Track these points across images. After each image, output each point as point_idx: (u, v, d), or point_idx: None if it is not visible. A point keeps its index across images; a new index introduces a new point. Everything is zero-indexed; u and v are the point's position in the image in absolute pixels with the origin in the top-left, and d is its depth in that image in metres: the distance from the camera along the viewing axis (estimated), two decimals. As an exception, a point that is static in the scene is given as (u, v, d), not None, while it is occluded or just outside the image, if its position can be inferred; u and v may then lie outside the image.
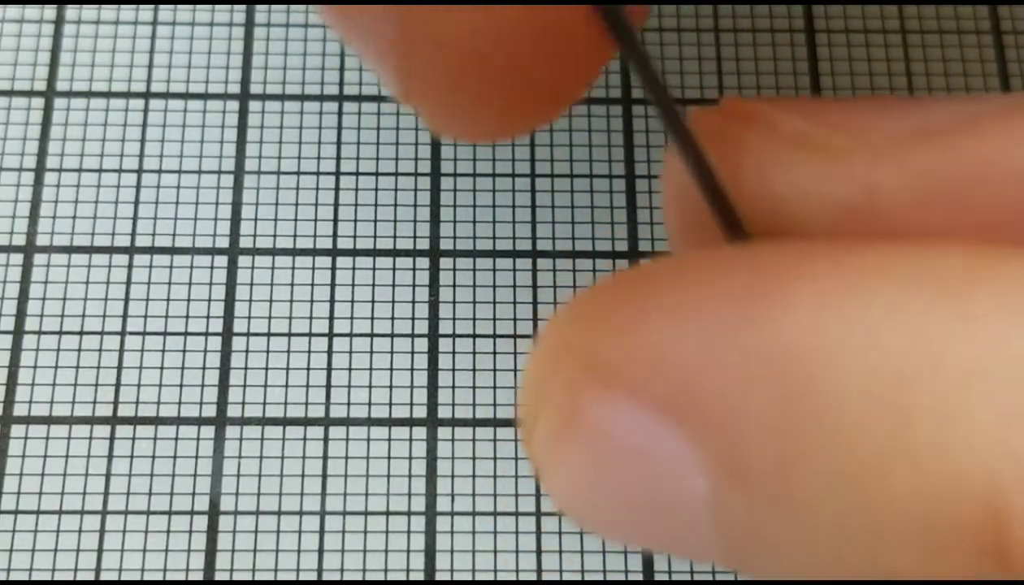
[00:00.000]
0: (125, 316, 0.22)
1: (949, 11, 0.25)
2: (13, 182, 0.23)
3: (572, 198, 0.23)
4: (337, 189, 0.23)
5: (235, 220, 0.23)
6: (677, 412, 0.10)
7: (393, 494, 0.21)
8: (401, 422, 0.22)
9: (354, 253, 0.23)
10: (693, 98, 0.24)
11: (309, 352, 0.22)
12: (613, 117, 0.24)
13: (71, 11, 0.25)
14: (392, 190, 0.23)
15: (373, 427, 0.22)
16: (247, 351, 0.22)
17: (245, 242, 0.23)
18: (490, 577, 0.21)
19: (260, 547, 0.21)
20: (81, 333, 0.22)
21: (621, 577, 0.21)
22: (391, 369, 0.22)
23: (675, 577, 0.21)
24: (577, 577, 0.21)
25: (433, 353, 0.22)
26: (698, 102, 0.24)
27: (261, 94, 0.24)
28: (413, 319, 0.22)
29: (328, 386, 0.22)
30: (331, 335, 0.22)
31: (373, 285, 0.23)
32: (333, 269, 0.23)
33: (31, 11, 0.25)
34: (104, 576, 0.20)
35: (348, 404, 0.22)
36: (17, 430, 0.21)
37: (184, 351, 0.22)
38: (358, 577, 0.21)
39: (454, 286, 0.23)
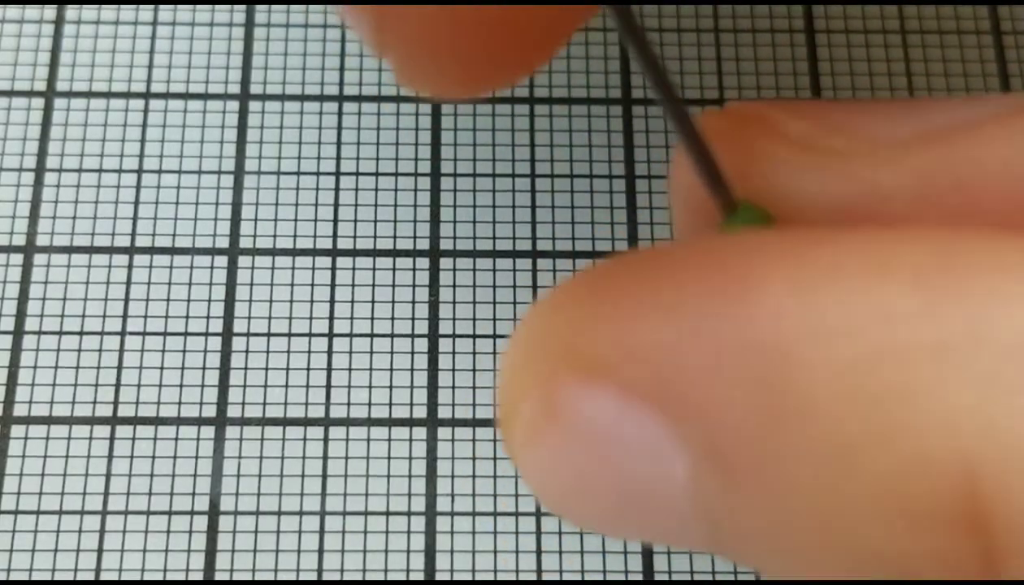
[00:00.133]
0: (125, 316, 0.22)
1: (949, 11, 0.25)
2: (13, 182, 0.23)
3: (572, 198, 0.23)
4: (337, 189, 0.23)
5: (235, 220, 0.23)
6: (655, 398, 0.10)
7: (393, 494, 0.21)
8: (401, 422, 0.22)
9: (354, 253, 0.23)
10: (693, 98, 0.24)
11: (309, 352, 0.22)
12: (613, 117, 0.24)
13: (71, 11, 0.25)
14: (392, 190, 0.23)
15: (373, 427, 0.22)
16: (247, 351, 0.22)
17: (245, 242, 0.23)
18: (490, 577, 0.21)
19: (260, 547, 0.21)
20: (81, 333, 0.22)
21: (621, 577, 0.21)
22: (391, 369, 0.22)
23: (675, 577, 0.21)
24: (577, 577, 0.21)
25: (433, 353, 0.22)
26: (698, 102, 0.24)
27: (261, 94, 0.24)
28: (413, 319, 0.22)
29: (328, 386, 0.22)
30: (331, 335, 0.22)
31: (373, 285, 0.23)
32: (333, 269, 0.23)
33: (31, 11, 0.25)
34: (104, 576, 0.20)
35: (348, 404, 0.22)
36: (17, 430, 0.21)
37: (184, 351, 0.22)
38: (358, 577, 0.21)
39: (454, 286, 0.23)
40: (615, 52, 0.25)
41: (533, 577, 0.21)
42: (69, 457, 0.21)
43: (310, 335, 0.22)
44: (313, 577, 0.21)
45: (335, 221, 0.23)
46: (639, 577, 0.21)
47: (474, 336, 0.22)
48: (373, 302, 0.22)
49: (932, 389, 0.09)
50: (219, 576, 0.20)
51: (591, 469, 0.11)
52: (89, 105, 0.24)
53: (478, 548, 0.21)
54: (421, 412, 0.22)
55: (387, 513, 0.21)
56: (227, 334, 0.22)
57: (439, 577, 0.21)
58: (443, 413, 0.22)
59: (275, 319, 0.22)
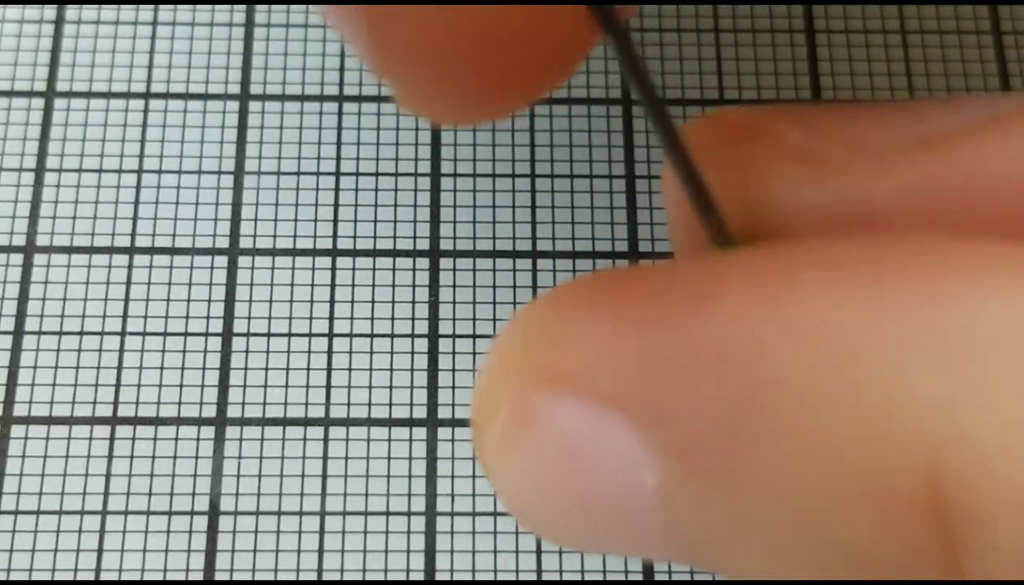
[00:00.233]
0: (125, 316, 0.22)
1: (949, 11, 0.25)
2: (13, 182, 0.23)
3: (572, 198, 0.23)
4: (337, 189, 0.23)
5: (235, 220, 0.23)
6: (625, 407, 0.10)
7: (393, 494, 0.21)
8: (401, 422, 0.22)
9: (354, 253, 0.23)
10: (693, 98, 0.24)
11: (309, 352, 0.22)
12: (613, 117, 0.24)
13: (71, 11, 0.25)
14: (392, 190, 0.23)
15: (373, 427, 0.22)
16: (247, 351, 0.22)
17: (245, 242, 0.23)
18: (490, 577, 0.21)
19: (260, 547, 0.21)
20: (81, 333, 0.22)
21: (621, 577, 0.21)
22: (391, 369, 0.22)
23: (675, 577, 0.21)
24: (577, 577, 0.21)
25: (433, 353, 0.22)
26: (698, 102, 0.24)
27: (261, 94, 0.24)
28: (413, 319, 0.22)
29: (328, 386, 0.22)
30: (331, 335, 0.22)
31: (373, 285, 0.23)
32: (333, 269, 0.23)
33: (31, 11, 0.25)
34: (104, 576, 0.20)
35: (348, 404, 0.22)
36: (17, 430, 0.21)
37: (184, 351, 0.22)
38: (358, 577, 0.21)
39: (454, 286, 0.23)
40: (618, 61, 0.25)
41: (533, 577, 0.21)
42: (69, 457, 0.21)
43: (310, 335, 0.22)
44: (313, 577, 0.21)
45: (335, 221, 0.23)
46: (639, 577, 0.21)
47: (474, 336, 0.22)
48: (373, 302, 0.22)
49: (895, 381, 0.09)
50: (219, 576, 0.20)
51: (562, 478, 0.11)
52: (89, 105, 0.24)
53: (478, 548, 0.21)
54: (421, 412, 0.22)
55: (387, 513, 0.21)
56: (227, 334, 0.22)
57: (439, 577, 0.21)
58: (443, 413, 0.22)
59: (275, 319, 0.22)
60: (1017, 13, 0.25)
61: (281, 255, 0.23)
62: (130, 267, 0.23)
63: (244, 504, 0.21)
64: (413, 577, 0.21)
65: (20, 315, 0.22)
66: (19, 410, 0.21)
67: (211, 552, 0.21)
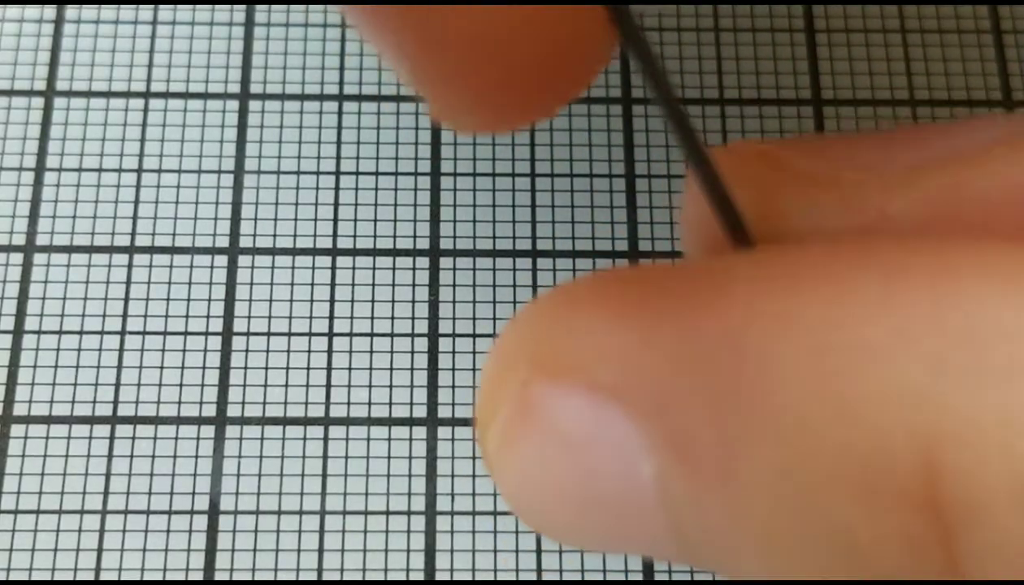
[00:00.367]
0: (125, 316, 0.22)
1: (949, 11, 0.25)
2: (13, 182, 0.23)
3: (572, 198, 0.23)
4: (337, 189, 0.23)
5: (235, 220, 0.23)
6: (622, 396, 0.10)
7: (393, 494, 0.21)
8: (401, 422, 0.22)
9: (354, 253, 0.23)
10: (693, 98, 0.24)
11: (309, 352, 0.22)
12: (613, 117, 0.24)
13: (71, 11, 0.25)
14: (392, 190, 0.23)
15: (373, 427, 0.22)
16: (247, 351, 0.22)
17: (245, 242, 0.23)
18: (490, 577, 0.21)
19: (260, 547, 0.21)
20: (81, 333, 0.22)
21: (621, 577, 0.21)
22: (391, 369, 0.22)
23: (675, 577, 0.21)
24: (577, 577, 0.21)
25: (433, 353, 0.22)
26: (698, 102, 0.24)
27: (261, 94, 0.24)
28: (413, 319, 0.22)
29: (328, 386, 0.22)
30: (331, 335, 0.22)
31: (373, 285, 0.23)
32: (333, 269, 0.23)
33: (31, 11, 0.25)
34: (104, 576, 0.20)
35: (348, 404, 0.22)
36: (17, 430, 0.21)
37: (184, 351, 0.22)
38: (358, 577, 0.20)
39: (454, 286, 0.23)
40: (615, 52, 0.25)
41: (533, 577, 0.21)
42: (69, 457, 0.21)
43: (310, 334, 0.22)
44: (313, 577, 0.20)
45: (335, 221, 0.23)
46: (639, 577, 0.21)
47: (474, 336, 0.22)
48: (373, 301, 0.22)
49: (890, 371, 0.09)
50: (219, 575, 0.20)
51: (562, 472, 0.11)
52: (89, 105, 0.24)
53: (478, 548, 0.21)
54: (421, 411, 0.22)
55: (387, 512, 0.21)
56: (227, 334, 0.22)
57: (439, 577, 0.21)
58: (443, 412, 0.22)
59: (275, 319, 0.22)
60: (1017, 13, 0.25)
61: (281, 254, 0.23)
62: (130, 267, 0.23)
63: (244, 503, 0.21)
64: (413, 577, 0.21)
65: (20, 315, 0.22)
66: (19, 410, 0.21)
67: (211, 551, 0.21)
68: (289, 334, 0.22)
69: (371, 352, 0.22)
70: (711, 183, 0.12)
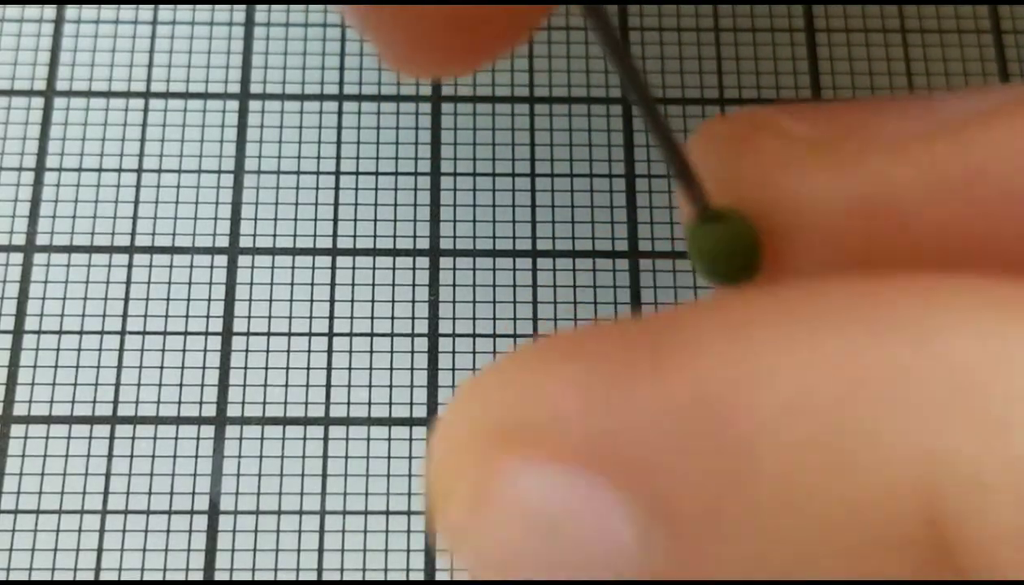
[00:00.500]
0: (125, 316, 0.22)
1: (949, 11, 0.25)
2: (13, 182, 0.23)
3: (572, 198, 0.23)
4: (337, 189, 0.23)
5: (235, 220, 0.23)
6: (597, 465, 0.10)
7: (393, 493, 0.21)
8: (401, 422, 0.22)
9: (354, 253, 0.23)
10: (693, 98, 0.24)
11: (309, 352, 0.22)
12: (613, 117, 0.24)
13: (71, 11, 0.25)
14: (392, 190, 0.23)
15: (373, 426, 0.22)
16: (247, 351, 0.22)
17: (245, 242, 0.23)
18: (490, 577, 0.20)
19: (260, 547, 0.21)
20: (81, 333, 0.22)
21: (621, 577, 0.21)
22: (391, 369, 0.22)
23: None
24: (577, 577, 0.21)
25: (433, 352, 0.22)
26: (698, 102, 0.24)
27: (261, 94, 0.24)
28: (413, 319, 0.22)
29: (328, 386, 0.22)
30: (331, 335, 0.22)
31: (373, 285, 0.23)
32: (333, 269, 0.23)
33: (31, 11, 0.25)
34: (104, 576, 0.20)
35: (348, 404, 0.22)
36: (17, 430, 0.21)
37: (184, 351, 0.22)
38: (358, 577, 0.20)
39: (454, 286, 0.23)
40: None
41: (533, 576, 0.21)
42: (69, 456, 0.21)
43: (310, 334, 0.22)
44: (313, 577, 0.20)
45: (335, 220, 0.23)
46: (639, 576, 0.21)
47: (474, 336, 0.22)
48: (373, 301, 0.22)
49: (884, 423, 0.09)
50: (219, 575, 0.20)
51: (536, 547, 0.10)
52: (89, 105, 0.24)
53: (478, 547, 0.21)
54: (421, 411, 0.22)
55: (387, 512, 0.21)
56: (227, 334, 0.22)
57: (439, 577, 0.20)
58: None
59: (275, 318, 0.22)
60: (1017, 13, 0.25)
61: (281, 254, 0.23)
62: (130, 267, 0.23)
63: (244, 503, 0.21)
64: (413, 577, 0.21)
65: (20, 315, 0.22)
66: (19, 409, 0.21)
67: (211, 551, 0.21)
68: (289, 334, 0.22)
69: (371, 352, 0.22)
70: (675, 159, 0.12)
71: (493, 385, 0.11)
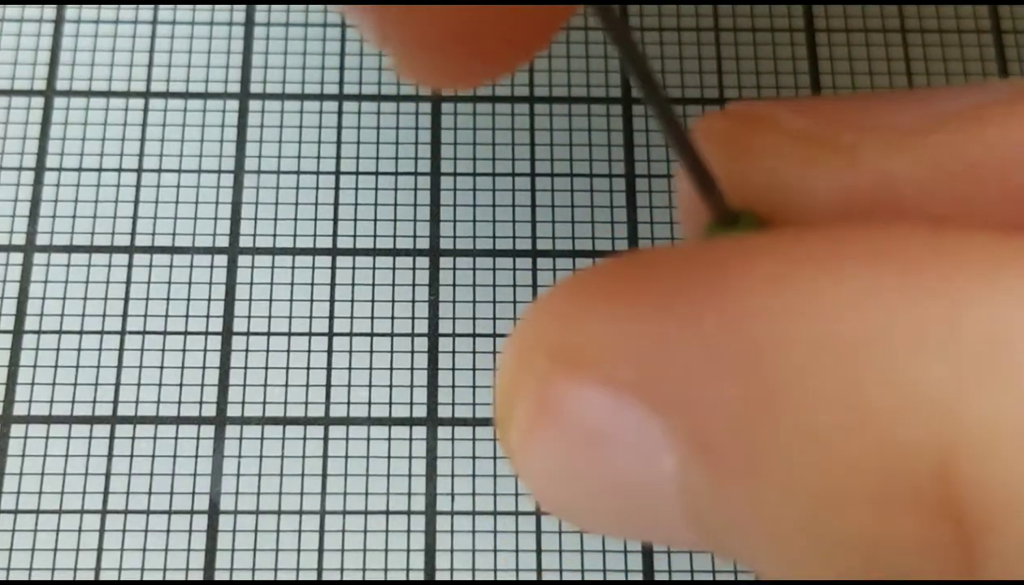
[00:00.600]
0: (125, 316, 0.22)
1: (949, 11, 0.25)
2: (13, 182, 0.23)
3: (572, 198, 0.23)
4: (337, 189, 0.23)
5: (235, 220, 0.23)
6: (643, 393, 0.10)
7: (393, 493, 0.21)
8: (401, 422, 0.22)
9: (354, 253, 0.23)
10: (693, 98, 0.24)
11: (309, 352, 0.22)
12: (613, 117, 0.24)
13: (71, 11, 0.25)
14: (392, 190, 0.23)
15: (373, 427, 0.22)
16: (247, 351, 0.22)
17: (245, 242, 0.23)
18: (490, 577, 0.21)
19: (260, 547, 0.21)
20: (81, 333, 0.22)
21: (621, 577, 0.21)
22: (391, 369, 0.22)
23: (675, 577, 0.21)
24: (577, 577, 0.21)
25: (433, 353, 0.22)
26: (698, 102, 0.24)
27: (261, 94, 0.24)
28: (413, 319, 0.22)
29: (328, 386, 0.22)
30: (331, 334, 0.22)
31: (373, 285, 0.23)
32: (333, 269, 0.23)
33: (31, 11, 0.25)
34: (104, 576, 0.20)
35: (348, 404, 0.22)
36: (17, 430, 0.21)
37: (184, 351, 0.22)
38: (358, 577, 0.20)
39: (454, 286, 0.23)
40: (616, 51, 0.25)
41: (533, 577, 0.21)
42: (69, 456, 0.21)
43: (310, 334, 0.22)
44: (313, 576, 0.20)
45: (335, 220, 0.23)
46: (639, 577, 0.21)
47: (474, 335, 0.22)
48: (373, 301, 0.22)
49: (907, 374, 0.09)
50: (219, 575, 0.20)
51: (585, 466, 0.11)
52: (89, 104, 0.24)
53: (478, 547, 0.21)
54: (421, 411, 0.22)
55: (387, 512, 0.21)
56: (227, 334, 0.22)
57: (439, 577, 0.20)
58: (443, 412, 0.22)
59: (275, 318, 0.22)
60: (1017, 13, 0.25)
61: (281, 254, 0.23)
62: (130, 266, 0.23)
63: (244, 503, 0.21)
64: (413, 576, 0.21)
65: (20, 314, 0.22)
66: (19, 409, 0.21)
67: (211, 551, 0.21)
68: (289, 334, 0.22)
69: (371, 352, 0.22)
70: (693, 163, 0.12)
71: (552, 312, 0.11)
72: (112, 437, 0.21)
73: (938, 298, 0.09)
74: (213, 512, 0.21)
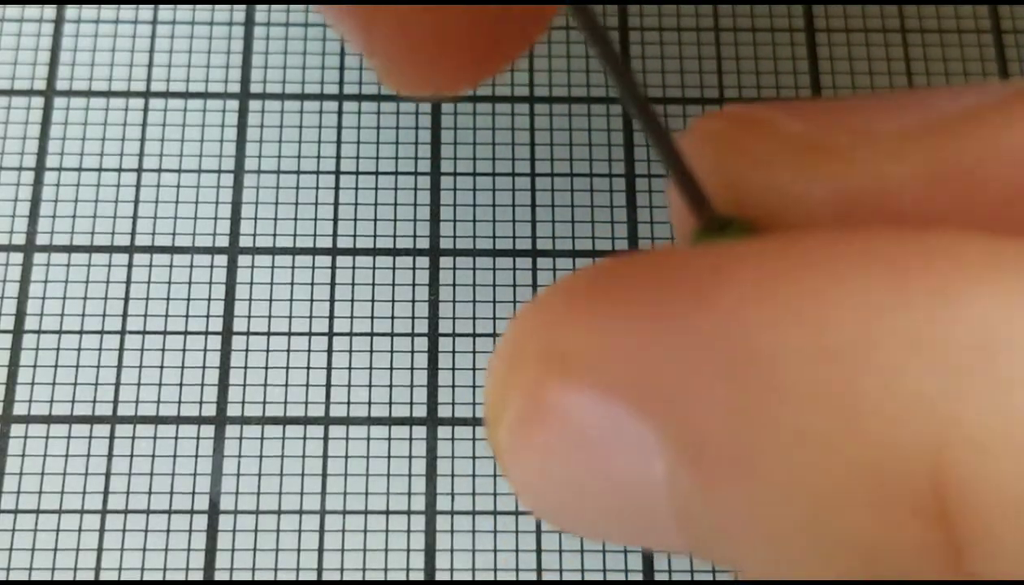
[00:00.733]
0: (125, 316, 0.22)
1: (949, 11, 0.25)
2: (13, 182, 0.23)
3: (572, 198, 0.23)
4: (337, 189, 0.23)
5: (235, 220, 0.23)
6: (633, 396, 0.10)
7: (393, 493, 0.21)
8: (401, 421, 0.22)
9: (354, 252, 0.23)
10: (693, 98, 0.24)
11: (309, 351, 0.22)
12: (613, 117, 0.24)
13: (71, 11, 0.25)
14: (392, 190, 0.23)
15: (373, 426, 0.22)
16: (247, 350, 0.22)
17: (245, 242, 0.23)
18: (490, 577, 0.20)
19: (260, 546, 0.21)
20: (81, 333, 0.22)
21: (621, 577, 0.21)
22: (391, 368, 0.22)
23: (675, 577, 0.21)
24: (577, 577, 0.21)
25: (433, 352, 0.22)
26: (698, 102, 0.24)
27: (261, 94, 0.24)
28: (413, 319, 0.22)
29: (328, 385, 0.22)
30: (331, 334, 0.22)
31: (373, 284, 0.23)
32: (333, 268, 0.23)
33: (31, 11, 0.25)
34: (104, 575, 0.20)
35: (348, 403, 0.22)
36: (17, 429, 0.21)
37: (184, 351, 0.22)
38: (358, 576, 0.20)
39: (454, 286, 0.23)
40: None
41: (533, 577, 0.21)
42: (69, 456, 0.21)
43: (310, 334, 0.22)
44: (313, 576, 0.20)
45: (335, 220, 0.23)
46: (639, 577, 0.21)
47: (474, 335, 0.22)
48: (373, 301, 0.22)
49: (900, 378, 0.09)
50: (219, 575, 0.20)
51: (574, 469, 0.11)
52: (89, 104, 0.24)
53: (478, 547, 0.21)
54: (421, 411, 0.22)
55: (387, 512, 0.21)
56: (227, 333, 0.22)
57: (439, 576, 0.20)
58: (443, 412, 0.22)
59: (275, 318, 0.22)
60: (1017, 13, 0.25)
61: (281, 254, 0.23)
62: (130, 266, 0.23)
63: (244, 503, 0.21)
64: (413, 576, 0.21)
65: (20, 314, 0.22)
66: (19, 409, 0.21)
67: (211, 551, 0.21)
68: (289, 334, 0.22)
69: (371, 352, 0.22)
70: (676, 166, 0.12)
71: (543, 314, 0.11)
72: (112, 437, 0.21)
73: (930, 300, 0.09)
74: (213, 512, 0.21)
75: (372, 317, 0.22)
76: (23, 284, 0.22)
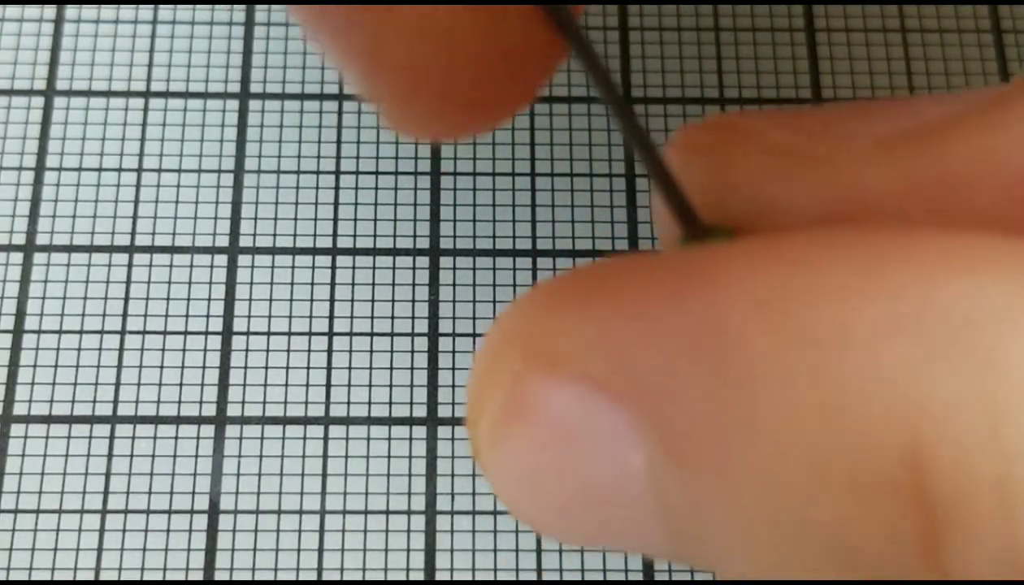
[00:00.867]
0: (125, 316, 0.22)
1: (949, 11, 0.25)
2: (13, 181, 0.23)
3: (572, 198, 0.23)
4: (337, 189, 0.23)
5: (235, 220, 0.23)
6: (613, 389, 0.10)
7: (393, 493, 0.21)
8: (401, 421, 0.22)
9: (354, 252, 0.23)
10: (693, 98, 0.24)
11: (309, 351, 0.22)
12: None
13: (71, 11, 0.25)
14: (392, 190, 0.23)
15: (373, 426, 0.22)
16: (247, 350, 0.22)
17: (245, 241, 0.23)
18: (490, 577, 0.21)
19: (260, 546, 0.21)
20: (81, 333, 0.22)
21: (621, 577, 0.21)
22: (391, 368, 0.22)
23: (675, 577, 0.21)
24: (577, 577, 0.21)
25: (433, 352, 0.22)
26: (698, 102, 0.24)
27: (261, 93, 0.24)
28: (413, 318, 0.22)
29: (328, 385, 0.22)
30: (331, 334, 0.22)
31: (373, 284, 0.23)
32: (333, 268, 0.23)
33: (31, 11, 0.25)
34: (104, 575, 0.20)
35: (348, 403, 0.22)
36: (17, 429, 0.21)
37: (184, 350, 0.22)
38: (358, 576, 0.20)
39: (454, 285, 0.23)
40: (615, 50, 0.25)
41: (533, 577, 0.21)
42: (69, 456, 0.21)
43: (310, 334, 0.22)
44: (313, 576, 0.20)
45: (335, 220, 0.23)
46: (639, 577, 0.21)
47: (474, 335, 0.22)
48: (373, 301, 0.22)
49: (871, 363, 0.09)
50: (219, 575, 0.20)
51: (555, 465, 0.11)
52: (89, 104, 0.24)
53: (478, 547, 0.21)
54: (421, 411, 0.22)
55: (387, 512, 0.21)
56: (227, 333, 0.22)
57: (439, 576, 0.20)
58: (443, 412, 0.22)
59: (275, 318, 0.22)
60: (1017, 12, 0.25)
61: (281, 254, 0.23)
62: (130, 266, 0.23)
63: (244, 503, 0.21)
64: (413, 576, 0.21)
65: (20, 314, 0.22)
66: (19, 409, 0.21)
67: (211, 551, 0.21)
68: (289, 334, 0.22)
69: (371, 352, 0.22)
70: (661, 176, 0.12)
71: (526, 311, 0.11)
72: (112, 437, 0.21)
73: (902, 288, 0.09)
74: (213, 512, 0.21)
75: (372, 317, 0.22)
76: (23, 284, 0.22)
